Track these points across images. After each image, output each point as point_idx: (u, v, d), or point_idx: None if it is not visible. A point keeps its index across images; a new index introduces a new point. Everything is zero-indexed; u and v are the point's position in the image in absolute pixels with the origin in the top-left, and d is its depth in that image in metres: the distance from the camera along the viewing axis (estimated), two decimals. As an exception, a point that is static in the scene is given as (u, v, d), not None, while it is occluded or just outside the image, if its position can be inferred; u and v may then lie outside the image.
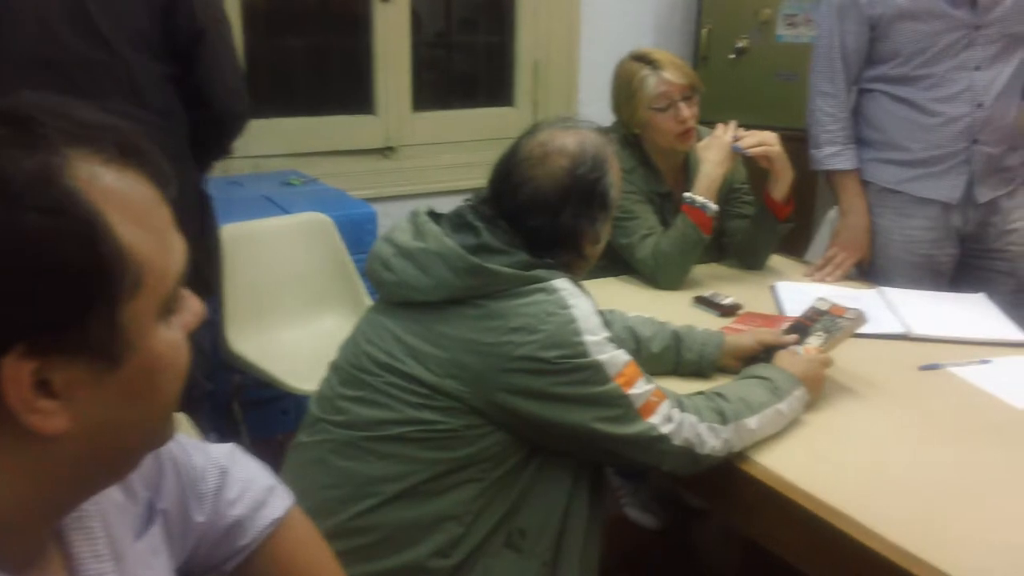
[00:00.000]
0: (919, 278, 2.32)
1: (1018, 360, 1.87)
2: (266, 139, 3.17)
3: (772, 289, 2.24)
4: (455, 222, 1.42)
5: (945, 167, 2.26)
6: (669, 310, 2.11)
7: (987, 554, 1.23)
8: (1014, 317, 2.14)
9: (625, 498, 2.63)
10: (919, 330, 1.98)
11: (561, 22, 3.68)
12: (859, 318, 1.73)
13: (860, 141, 2.35)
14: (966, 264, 2.37)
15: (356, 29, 3.44)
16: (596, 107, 2.41)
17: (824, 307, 1.79)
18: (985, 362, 1.85)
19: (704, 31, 3.81)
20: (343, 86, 3.58)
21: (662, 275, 2.21)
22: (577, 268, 1.47)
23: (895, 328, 2.00)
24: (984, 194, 2.27)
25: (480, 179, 1.50)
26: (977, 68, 2.19)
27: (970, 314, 2.10)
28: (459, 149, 3.60)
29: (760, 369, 1.60)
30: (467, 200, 1.46)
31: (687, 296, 2.18)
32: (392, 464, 1.35)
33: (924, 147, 2.26)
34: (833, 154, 2.34)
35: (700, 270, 2.31)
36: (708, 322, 2.02)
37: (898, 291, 2.21)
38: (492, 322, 1.33)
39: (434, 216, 1.45)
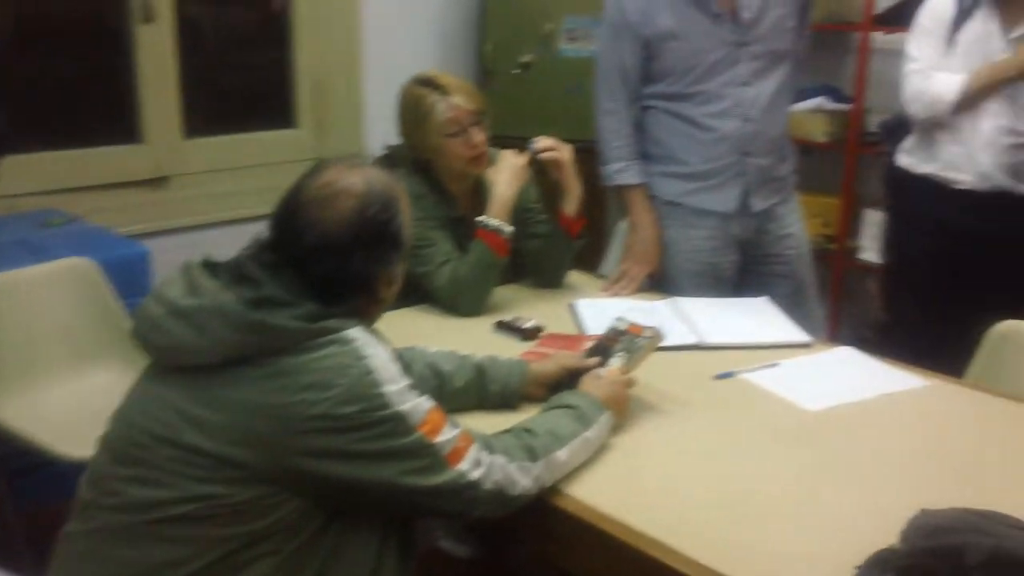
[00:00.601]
0: (705, 285, 2.39)
1: (803, 360, 1.96)
2: (18, 176, 2.86)
3: (571, 307, 2.25)
4: (234, 273, 1.30)
5: (721, 179, 2.35)
6: (470, 338, 2.07)
7: (780, 565, 1.27)
8: (795, 317, 2.24)
9: (438, 529, 2.56)
10: (711, 339, 2.04)
11: (342, 39, 3.57)
12: (657, 336, 1.75)
13: (645, 156, 2.40)
14: (748, 270, 2.47)
15: (116, 51, 3.19)
16: (383, 126, 2.33)
17: (623, 327, 1.80)
18: (774, 365, 1.92)
19: (488, 46, 3.82)
20: (105, 113, 3.31)
21: (461, 302, 2.17)
22: (372, 313, 1.39)
23: (689, 339, 2.05)
24: (758, 203, 2.38)
25: (264, 206, 1.38)
26: (744, 84, 2.29)
27: (757, 318, 2.19)
28: (239, 176, 3.41)
29: (566, 397, 1.58)
30: (245, 248, 1.35)
31: (488, 322, 2.14)
32: (177, 547, 1.21)
33: (701, 161, 2.34)
34: (620, 170, 2.38)
35: (500, 293, 2.28)
36: (511, 347, 1.99)
37: (689, 300, 2.27)
38: (281, 381, 1.23)
39: (210, 267, 1.33)
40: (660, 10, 2.25)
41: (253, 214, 3.37)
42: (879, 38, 3.32)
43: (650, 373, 1.75)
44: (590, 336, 2.04)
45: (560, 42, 3.74)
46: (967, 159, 2.59)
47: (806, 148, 3.50)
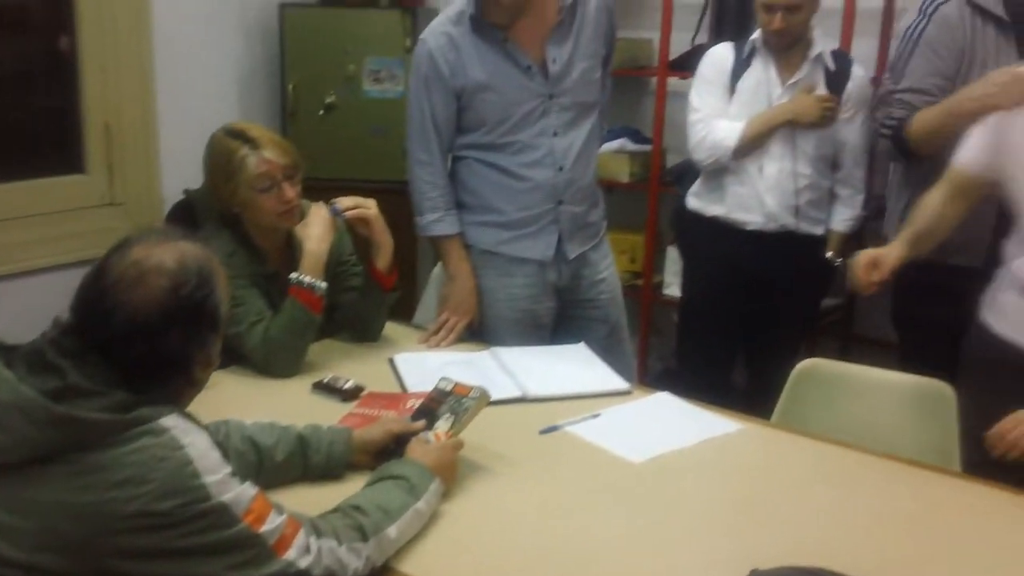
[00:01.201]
0: (524, 333, 2.42)
1: (623, 409, 2.01)
2: None
3: (391, 362, 2.21)
4: (32, 361, 1.19)
5: (537, 227, 2.38)
6: (287, 401, 1.99)
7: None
8: (609, 359, 2.30)
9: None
10: (535, 391, 2.05)
11: (134, 79, 3.37)
12: (483, 396, 1.74)
13: (460, 206, 2.40)
14: (565, 315, 2.51)
15: None
16: (180, 170, 2.20)
17: (448, 387, 1.78)
18: (596, 416, 1.95)
19: (290, 87, 3.72)
20: None
21: (276, 363, 2.09)
22: (187, 396, 1.30)
23: (513, 392, 2.05)
24: (573, 250, 2.43)
25: (54, 256, 1.27)
26: (556, 134, 2.33)
27: (576, 367, 2.22)
28: (23, 226, 3.13)
29: (394, 467, 1.53)
30: (45, 332, 1.23)
31: (305, 382, 2.07)
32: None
33: (517, 209, 2.36)
34: (435, 220, 2.37)
35: (316, 350, 2.21)
36: (331, 409, 1.93)
37: (510, 351, 2.27)
38: (90, 478, 1.13)
39: (3, 352, 1.20)
40: (471, 62, 2.26)
41: (43, 265, 3.15)
42: (674, 82, 3.48)
43: (476, 431, 1.73)
44: (412, 393, 2.01)
45: (365, 83, 3.70)
46: (754, 201, 2.76)
47: (611, 188, 3.64)
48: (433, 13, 3.19)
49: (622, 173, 3.64)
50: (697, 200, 2.93)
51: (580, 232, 2.44)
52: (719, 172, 2.84)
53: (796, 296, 2.89)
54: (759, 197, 2.76)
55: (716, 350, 2.99)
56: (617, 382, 2.14)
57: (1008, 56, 2.35)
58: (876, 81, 3.21)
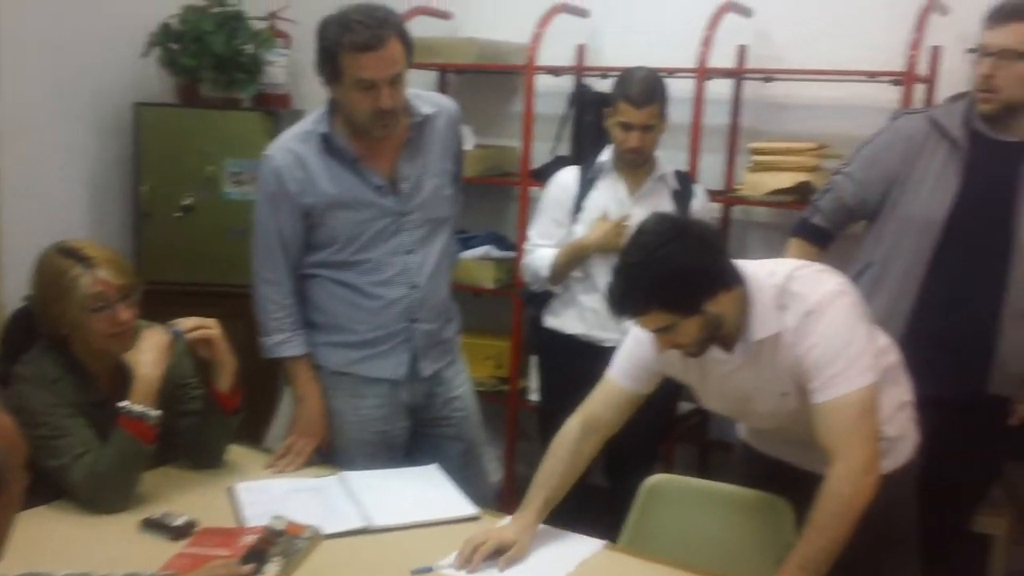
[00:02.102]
0: (377, 454, 2.34)
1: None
2: None
3: (230, 492, 2.10)
4: None
5: (389, 346, 2.33)
6: (112, 540, 1.86)
7: None
8: (466, 477, 2.29)
9: None
10: (380, 520, 1.98)
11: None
12: (316, 536, 1.67)
13: (309, 325, 2.33)
14: (419, 434, 2.45)
15: None
16: (25, 277, 2.07)
17: (280, 526, 1.70)
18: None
19: (145, 188, 3.61)
20: None
21: (102, 497, 1.95)
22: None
23: (356, 522, 1.97)
24: (427, 368, 2.38)
25: None
26: (409, 252, 2.30)
27: (425, 491, 2.16)
28: None
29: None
30: None
31: (133, 519, 1.93)
32: None
33: (368, 328, 2.31)
34: (282, 342, 2.29)
35: (151, 480, 2.08)
36: (160, 548, 1.82)
37: (359, 475, 2.19)
38: None
39: None
40: (321, 180, 2.22)
41: None
42: (536, 190, 3.52)
43: (343, 567, 1.63)
44: (250, 528, 1.91)
45: (224, 185, 3.62)
46: (610, 320, 2.77)
47: (477, 294, 3.64)
48: (297, 115, 3.17)
49: (487, 279, 3.65)
50: (554, 319, 2.97)
51: (434, 349, 2.40)
52: (572, 291, 2.90)
53: (651, 405, 2.89)
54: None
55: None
56: (465, 508, 2.09)
57: (951, 180, 2.39)
58: (722, 196, 3.34)
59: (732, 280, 1.81)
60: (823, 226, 2.59)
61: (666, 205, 2.85)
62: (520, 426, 3.75)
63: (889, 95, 2.90)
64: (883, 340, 2.02)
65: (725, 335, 1.84)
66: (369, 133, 2.20)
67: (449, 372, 2.46)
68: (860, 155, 2.56)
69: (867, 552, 2.05)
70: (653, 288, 1.74)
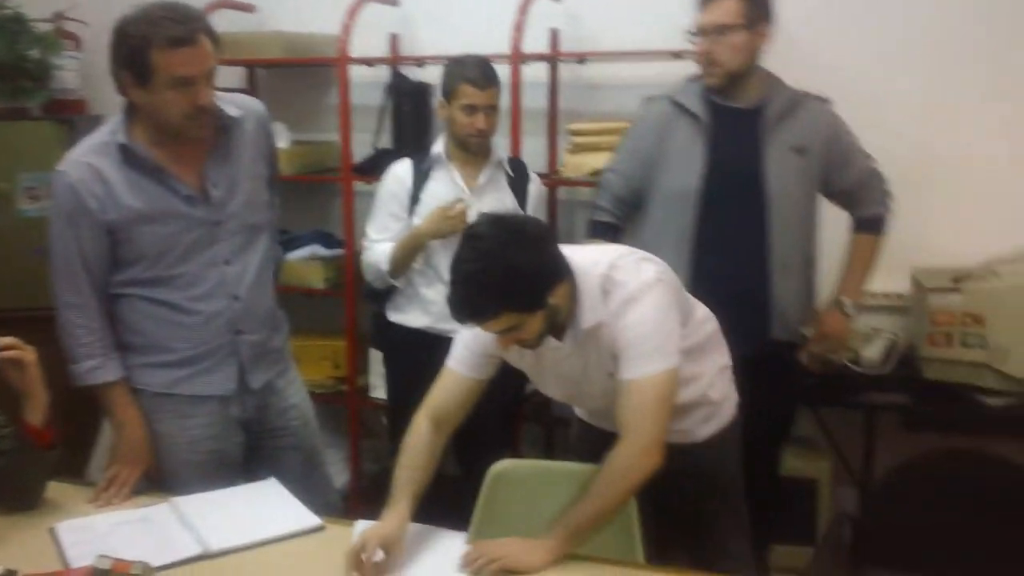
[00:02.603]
0: (211, 475, 2.23)
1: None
2: None
3: (52, 533, 1.96)
4: None
5: (214, 362, 2.22)
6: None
7: None
8: (308, 487, 2.23)
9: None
10: (218, 544, 1.90)
11: None
12: (147, 571, 1.58)
13: (123, 347, 2.20)
14: (256, 448, 2.36)
15: None
16: None
17: (105, 565, 1.61)
18: None
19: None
20: None
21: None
22: None
23: (192, 550, 1.89)
24: (257, 379, 2.29)
25: None
26: (227, 262, 2.20)
27: (265, 507, 2.09)
28: None
29: None
30: None
31: (-59, 577, 1.78)
32: None
33: (190, 346, 2.20)
34: (93, 368, 2.15)
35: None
36: (-27, 607, 1.67)
37: (192, 500, 2.09)
38: None
39: None
40: (123, 193, 2.09)
41: None
42: (361, 185, 3.46)
43: None
44: (75, 570, 1.79)
45: (19, 201, 3.38)
46: None
47: (308, 295, 3.55)
48: (94, 122, 2.98)
49: (316, 280, 3.56)
50: (399, 314, 2.95)
51: (263, 360, 2.31)
52: (415, 285, 2.90)
53: (496, 389, 2.90)
54: None
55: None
56: (308, 519, 2.03)
57: (699, 152, 2.58)
58: (547, 178, 3.38)
59: (566, 271, 1.85)
60: (611, 222, 2.77)
61: (505, 193, 2.89)
62: (363, 424, 3.70)
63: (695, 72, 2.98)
64: (701, 312, 2.11)
65: (558, 325, 1.87)
66: (184, 135, 2.08)
67: (281, 381, 2.38)
68: (622, 149, 2.76)
69: (701, 510, 2.16)
70: (499, 293, 1.75)
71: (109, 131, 2.11)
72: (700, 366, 2.06)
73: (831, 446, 3.20)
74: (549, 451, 3.59)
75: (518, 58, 3.16)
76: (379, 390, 3.50)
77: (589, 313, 1.86)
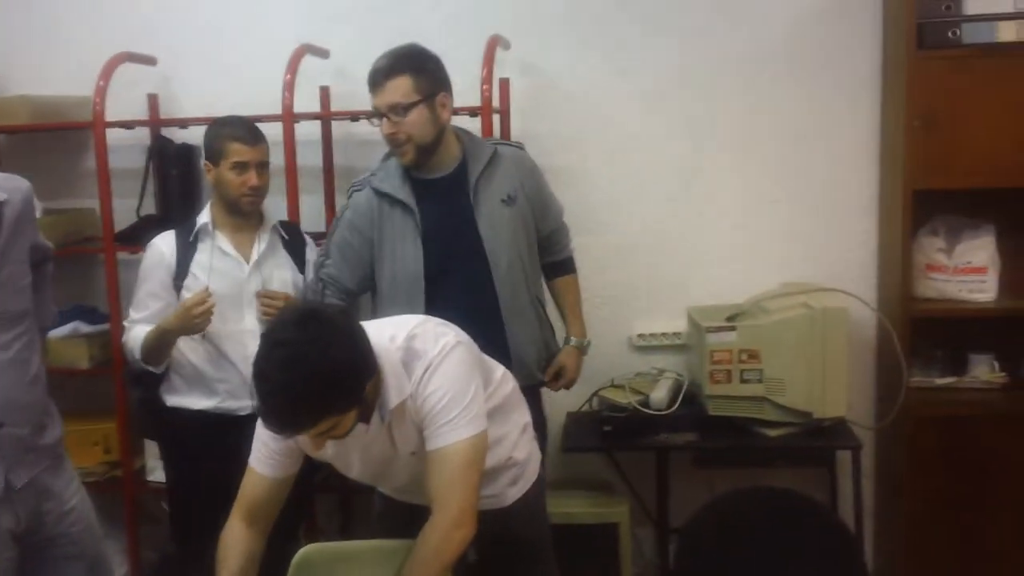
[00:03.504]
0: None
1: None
2: None
3: None
4: None
5: None
6: None
7: None
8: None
9: None
10: None
11: None
12: None
13: None
14: (31, 558, 2.08)
15: None
16: None
17: None
18: None
19: None
20: None
21: None
22: None
23: None
24: (22, 477, 2.03)
25: None
26: None
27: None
28: None
29: None
30: None
31: None
32: None
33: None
34: None
35: None
36: None
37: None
38: None
39: None
40: None
41: None
42: (124, 255, 3.23)
43: None
44: None
45: None
46: (244, 388, 2.61)
47: (72, 375, 3.25)
48: None
49: (81, 358, 3.28)
50: (177, 396, 2.76)
51: (27, 457, 2.05)
52: (195, 365, 2.73)
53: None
54: (248, 384, 2.63)
55: (218, 525, 2.76)
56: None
57: (412, 237, 2.58)
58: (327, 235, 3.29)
59: (375, 359, 1.76)
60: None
61: (283, 259, 2.78)
62: (143, 509, 3.42)
63: (472, 125, 2.99)
64: (499, 372, 2.09)
65: (368, 411, 1.81)
66: None
67: (58, 483, 2.12)
68: (331, 244, 2.70)
69: (513, 569, 2.13)
70: (318, 402, 1.65)
71: None
72: (504, 427, 2.03)
73: (628, 489, 3.27)
74: (346, 519, 3.46)
75: (290, 117, 3.06)
76: (157, 472, 3.25)
77: (394, 392, 1.80)
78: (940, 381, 3.14)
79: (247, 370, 2.56)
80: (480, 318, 2.48)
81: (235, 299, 2.70)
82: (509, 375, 2.13)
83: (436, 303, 2.54)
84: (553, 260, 2.85)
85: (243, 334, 2.68)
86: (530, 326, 2.68)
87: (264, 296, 2.68)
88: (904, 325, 3.00)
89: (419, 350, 1.83)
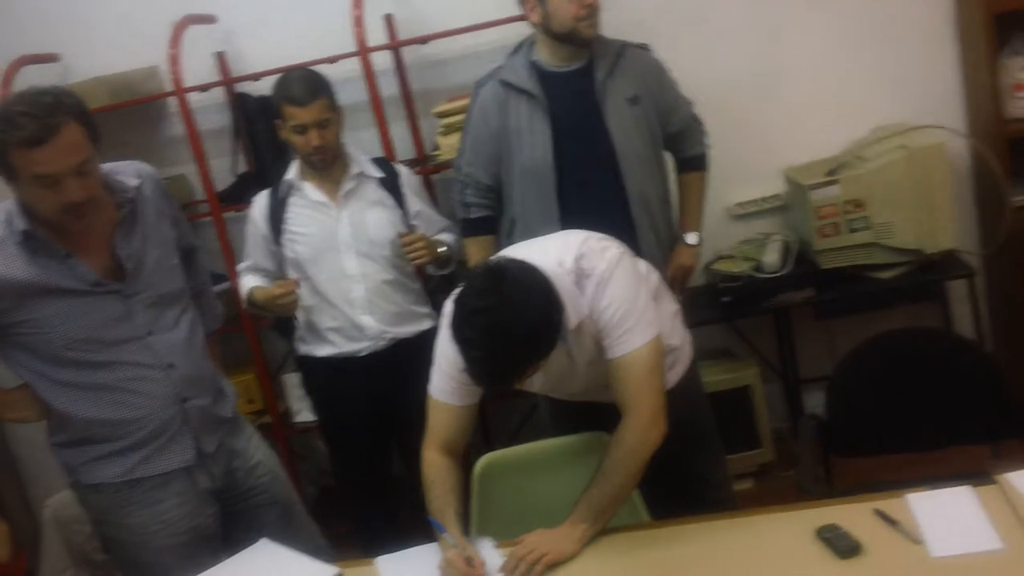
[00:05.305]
0: (193, 555, 2.13)
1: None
2: None
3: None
4: None
5: (168, 436, 2.12)
6: None
7: None
8: (296, 540, 2.15)
9: None
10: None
11: None
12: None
13: (73, 444, 2.07)
14: (230, 513, 2.26)
15: None
16: None
17: None
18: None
19: None
20: None
21: None
22: None
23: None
24: (209, 443, 2.19)
25: None
26: (150, 333, 2.09)
27: (274, 571, 2.02)
28: None
29: None
30: None
31: None
32: None
33: (139, 427, 2.08)
34: None
35: None
36: None
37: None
38: None
39: None
40: (23, 282, 1.95)
41: None
42: (231, 214, 3.34)
43: None
44: None
45: None
46: (356, 331, 2.74)
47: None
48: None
49: (210, 317, 3.40)
50: (305, 345, 2.88)
51: (212, 425, 2.21)
52: (308, 314, 2.80)
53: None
54: (359, 326, 2.75)
55: (369, 458, 2.95)
56: (324, 570, 1.99)
57: (541, 125, 2.60)
58: (419, 161, 3.35)
59: (558, 295, 1.82)
60: (484, 215, 2.78)
61: (376, 196, 2.77)
62: (293, 449, 3.60)
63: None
64: (643, 265, 2.16)
65: None
66: (65, 228, 1.96)
67: (239, 443, 2.29)
68: (465, 142, 2.75)
69: (680, 452, 2.24)
70: (527, 357, 1.76)
71: (4, 220, 1.97)
72: (657, 317, 2.11)
73: (754, 352, 3.38)
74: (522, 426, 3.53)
75: (366, 52, 3.08)
76: (303, 414, 3.42)
77: (572, 313, 1.87)
78: (1041, 198, 3.18)
79: (353, 313, 2.74)
80: (610, 211, 2.57)
81: (331, 246, 2.72)
82: (651, 267, 2.20)
83: (567, 193, 2.60)
84: (683, 156, 2.86)
85: (343, 279, 2.72)
86: (657, 220, 2.72)
87: (405, 242, 2.69)
88: (1000, 148, 3.04)
89: (588, 269, 1.89)
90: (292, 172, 2.76)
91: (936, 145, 2.97)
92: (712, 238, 3.25)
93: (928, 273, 3.07)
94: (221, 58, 3.48)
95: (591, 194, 2.62)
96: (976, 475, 1.82)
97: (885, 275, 3.04)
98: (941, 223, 2.99)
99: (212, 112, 3.46)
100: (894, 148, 2.99)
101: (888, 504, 1.77)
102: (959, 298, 3.24)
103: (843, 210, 2.98)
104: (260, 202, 2.81)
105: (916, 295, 3.25)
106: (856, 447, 2.33)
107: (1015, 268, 3.09)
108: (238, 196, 3.25)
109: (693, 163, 2.87)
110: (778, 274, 3.09)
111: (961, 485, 1.77)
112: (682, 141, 2.83)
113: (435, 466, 2.00)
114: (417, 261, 2.71)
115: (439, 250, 2.76)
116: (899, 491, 1.81)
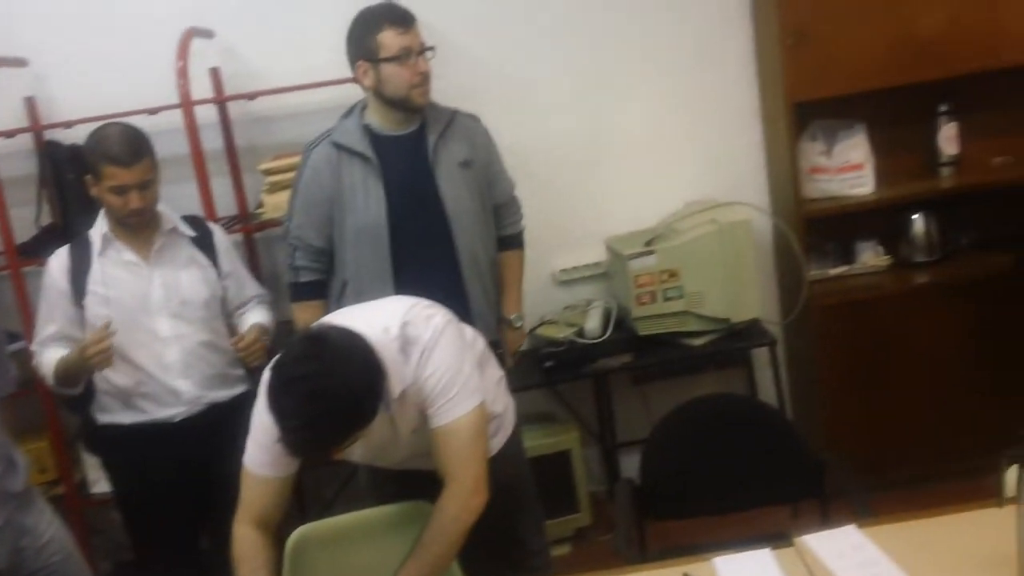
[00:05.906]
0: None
1: None
2: None
3: None
4: None
5: None
6: None
7: None
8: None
9: None
10: None
11: None
12: None
13: None
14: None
15: None
16: None
17: None
18: None
19: None
20: None
21: None
22: None
23: None
24: None
25: None
26: None
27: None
28: None
29: None
30: None
31: None
32: None
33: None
34: None
35: None
36: None
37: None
38: None
39: None
40: None
41: None
42: (32, 269, 3.12)
43: None
44: None
45: None
46: (170, 396, 2.62)
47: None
48: None
49: (-1, 383, 3.15)
50: (107, 415, 2.67)
51: (3, 502, 2.03)
52: (111, 381, 2.61)
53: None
54: (173, 391, 2.62)
55: (177, 531, 2.78)
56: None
57: (375, 187, 2.59)
58: (240, 218, 3.26)
59: (384, 367, 1.80)
60: (313, 279, 2.72)
61: (187, 254, 2.66)
62: (88, 522, 3.36)
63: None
64: (469, 332, 2.18)
65: None
66: None
67: (30, 519, 2.11)
68: (295, 204, 2.70)
69: (501, 518, 2.25)
70: (347, 427, 1.72)
71: None
72: (481, 384, 2.13)
73: (574, 417, 3.45)
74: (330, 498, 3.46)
75: (190, 106, 2.99)
76: (101, 483, 3.20)
77: (396, 381, 1.85)
78: (834, 271, 3.44)
79: (167, 378, 2.60)
80: (442, 271, 2.59)
81: (142, 307, 2.57)
82: (478, 334, 2.22)
83: (400, 254, 2.60)
84: (501, 234, 2.87)
85: (155, 342, 2.59)
86: (487, 284, 2.74)
87: (241, 348, 2.60)
88: (798, 225, 3.27)
89: (413, 337, 1.89)
90: (98, 227, 2.59)
91: (743, 221, 3.17)
92: (536, 304, 3.33)
93: (735, 340, 3.25)
94: (30, 103, 3.30)
95: (424, 255, 2.62)
96: (777, 536, 1.91)
97: (697, 342, 3.19)
98: (747, 294, 3.18)
99: (17, 159, 3.26)
100: (706, 222, 3.17)
101: (697, 567, 1.83)
102: (762, 364, 3.43)
103: (659, 279, 3.12)
104: (60, 258, 2.60)
105: (724, 361, 3.43)
106: (669, 510, 2.41)
107: (811, 337, 3.31)
108: (40, 250, 3.05)
109: (509, 241, 2.90)
110: (599, 340, 3.18)
111: (762, 547, 1.85)
112: (500, 218, 2.86)
113: (246, 541, 1.91)
114: (255, 362, 2.61)
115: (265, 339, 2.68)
116: (707, 554, 1.87)
